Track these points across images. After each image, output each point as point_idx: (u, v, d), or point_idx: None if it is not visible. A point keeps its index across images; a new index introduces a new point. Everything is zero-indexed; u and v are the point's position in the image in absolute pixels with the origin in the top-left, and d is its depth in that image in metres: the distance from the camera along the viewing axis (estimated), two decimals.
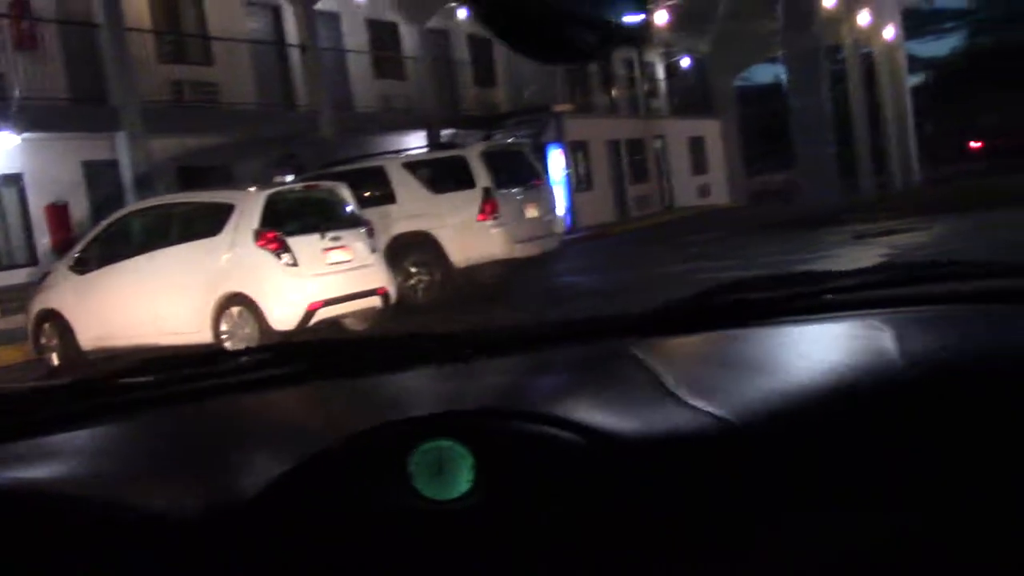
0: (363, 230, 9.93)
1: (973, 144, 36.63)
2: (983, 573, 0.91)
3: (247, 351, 1.36)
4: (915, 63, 49.75)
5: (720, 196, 26.71)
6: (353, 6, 19.56)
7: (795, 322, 1.35)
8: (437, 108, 19.55)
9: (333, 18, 19.22)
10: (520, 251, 12.04)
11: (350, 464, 0.99)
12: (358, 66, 19.62)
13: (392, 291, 9.94)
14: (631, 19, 1.99)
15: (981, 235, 12.49)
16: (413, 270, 11.71)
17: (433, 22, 21.22)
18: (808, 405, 1.06)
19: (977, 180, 22.83)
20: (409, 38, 21.06)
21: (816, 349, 1.28)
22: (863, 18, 26.18)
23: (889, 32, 28.81)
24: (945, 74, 52.04)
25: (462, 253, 11.75)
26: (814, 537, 0.92)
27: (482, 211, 11.82)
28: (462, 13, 21.40)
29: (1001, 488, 0.95)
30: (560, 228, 14.15)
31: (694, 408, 1.05)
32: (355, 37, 19.67)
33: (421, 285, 11.76)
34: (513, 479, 0.98)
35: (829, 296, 1.42)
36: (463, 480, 0.96)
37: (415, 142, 15.72)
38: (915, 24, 41.83)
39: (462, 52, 22.56)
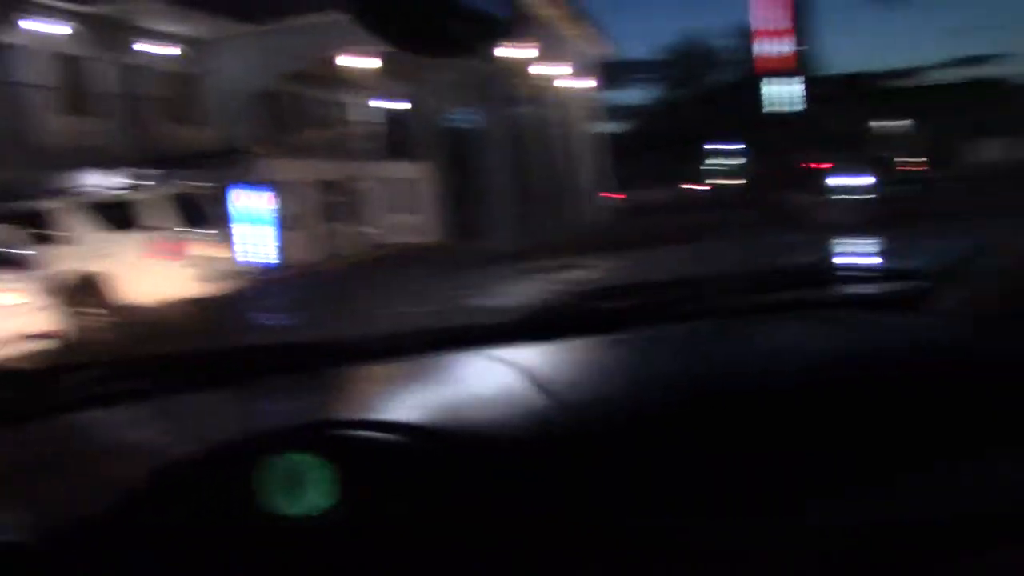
0: (31, 271, 9.79)
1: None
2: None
3: (92, 365, 1.28)
4: (618, 111, 54.17)
5: (429, 234, 27.86)
6: (40, 39, 18.82)
7: (654, 327, 1.39)
8: (129, 146, 19.13)
9: (15, 50, 18.39)
10: (200, 290, 12.24)
11: (198, 480, 0.93)
12: (43, 102, 18.85)
13: (66, 332, 9.84)
14: (500, 11, 1.93)
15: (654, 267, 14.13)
16: (89, 310, 11.58)
17: (129, 58, 20.81)
18: (661, 405, 1.08)
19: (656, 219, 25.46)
20: (104, 74, 20.50)
21: (669, 353, 1.31)
22: (560, 69, 28.46)
23: (585, 82, 31.42)
24: (645, 121, 57.30)
25: (140, 292, 11.76)
26: (658, 535, 0.93)
27: (160, 251, 11.94)
28: (161, 48, 21.13)
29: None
30: (243, 267, 14.47)
31: (560, 409, 1.06)
32: (40, 71, 18.90)
33: (97, 325, 11.65)
34: (373, 492, 0.93)
35: (688, 304, 1.47)
36: (319, 495, 0.91)
37: (102, 180, 15.41)
38: (616, 74, 45.86)
39: (162, 88, 22.24)
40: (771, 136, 42.36)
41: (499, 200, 21.87)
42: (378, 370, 1.30)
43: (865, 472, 1.01)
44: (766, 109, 50.10)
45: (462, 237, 24.85)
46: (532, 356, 1.27)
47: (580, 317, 1.42)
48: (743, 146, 48.37)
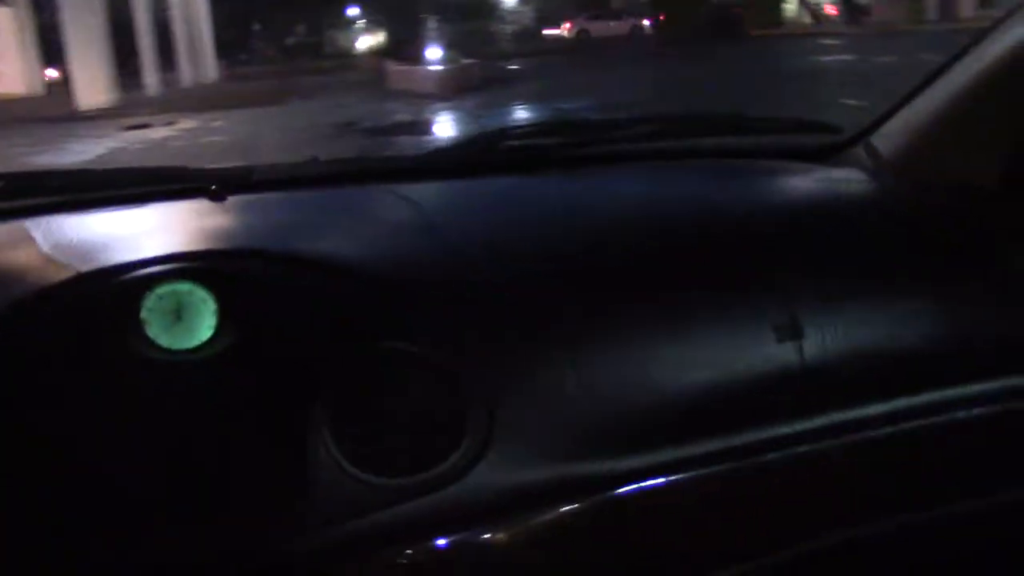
0: None
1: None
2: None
3: None
4: None
5: (16, 85, 26.16)
6: None
7: (575, 169, 1.38)
8: None
9: None
10: None
11: (75, 308, 0.88)
12: None
13: None
14: None
15: (268, 124, 14.79)
16: None
17: None
18: (563, 252, 1.10)
19: (273, 81, 25.94)
20: None
21: (579, 196, 1.31)
22: None
23: None
24: None
25: None
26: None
27: None
28: None
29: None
30: None
31: (453, 246, 1.06)
32: None
33: None
34: (259, 323, 0.91)
35: (610, 146, 1.46)
36: (203, 327, 0.88)
37: None
38: None
39: None
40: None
41: (86, 53, 20.99)
42: (271, 200, 1.24)
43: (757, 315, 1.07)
44: None
45: (51, 92, 23.68)
46: (433, 193, 1.26)
47: (495, 156, 1.39)
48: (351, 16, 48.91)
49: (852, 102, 10.33)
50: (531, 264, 1.07)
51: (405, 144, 11.23)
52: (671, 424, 1.03)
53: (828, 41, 26.04)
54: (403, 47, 23.63)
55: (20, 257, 1.01)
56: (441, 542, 0.95)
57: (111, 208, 1.18)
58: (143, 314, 0.87)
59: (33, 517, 0.84)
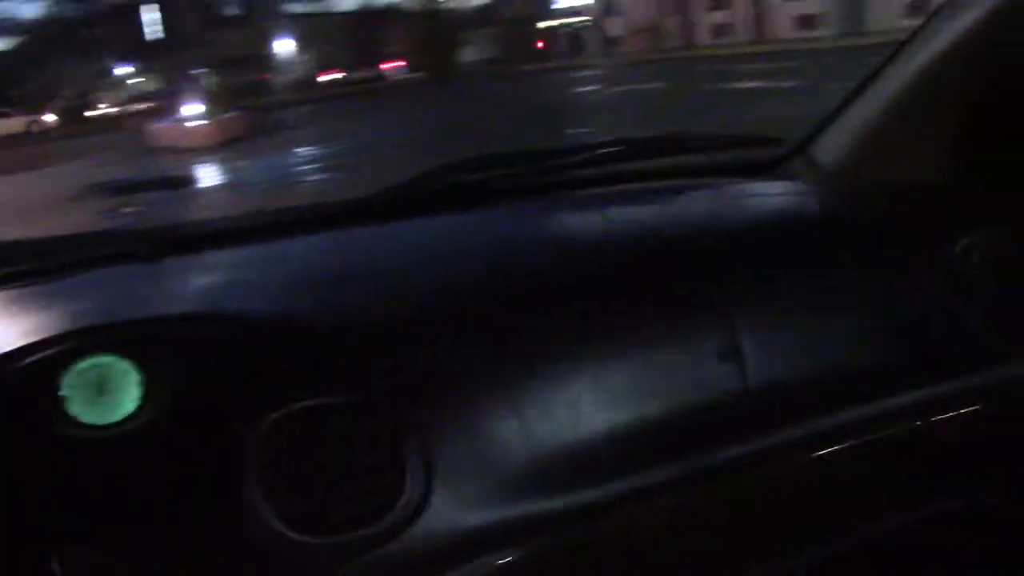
0: None
1: None
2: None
3: None
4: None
5: None
6: None
7: (519, 201, 1.35)
8: None
9: None
10: None
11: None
12: None
13: None
14: None
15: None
16: None
17: None
18: (500, 286, 1.07)
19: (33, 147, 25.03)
20: None
21: (539, 227, 1.30)
22: None
23: None
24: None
25: None
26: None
27: None
28: None
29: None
30: None
31: (389, 291, 1.05)
32: None
33: None
34: (186, 392, 0.89)
35: (551, 175, 1.40)
36: (128, 400, 0.85)
37: None
38: None
39: None
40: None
41: None
42: (213, 258, 1.18)
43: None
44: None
45: None
46: (370, 237, 1.23)
47: (435, 194, 1.34)
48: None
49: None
50: (468, 303, 1.05)
51: (154, 200, 11.37)
52: (618, 455, 1.01)
53: (580, 73, 27.87)
54: (167, 104, 23.49)
55: None
56: None
57: (35, 281, 1.11)
58: (64, 391, 0.85)
59: None
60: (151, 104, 33.04)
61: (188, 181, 13.58)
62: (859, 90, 1.43)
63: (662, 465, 1.02)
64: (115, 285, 1.12)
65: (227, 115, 20.17)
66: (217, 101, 22.09)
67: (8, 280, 1.10)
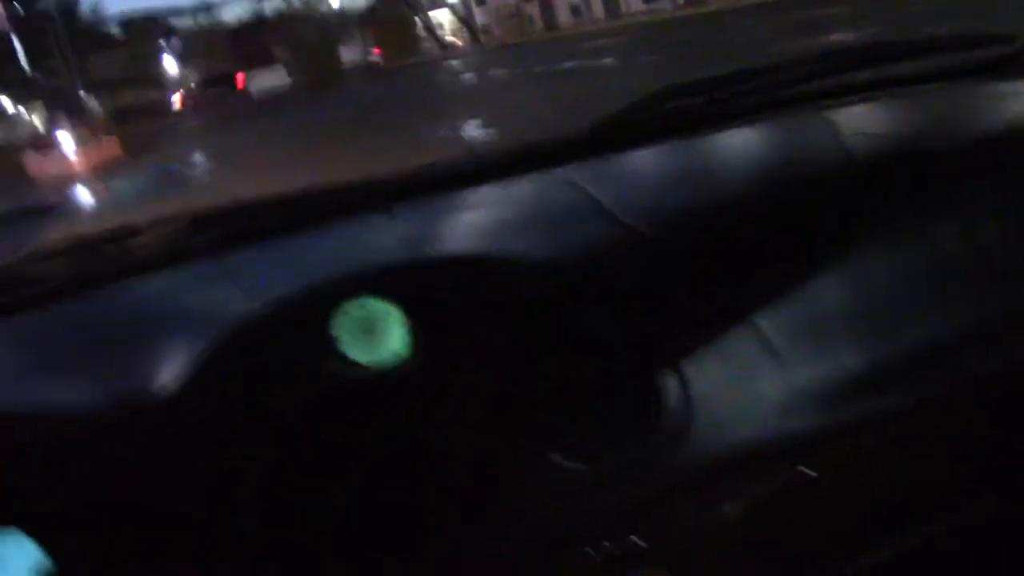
0: None
1: None
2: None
3: (155, 223, 1.18)
4: None
5: None
6: None
7: (738, 125, 1.28)
8: None
9: None
10: None
11: (272, 333, 0.90)
12: None
13: None
14: None
15: None
16: None
17: None
18: (743, 210, 1.03)
19: None
20: None
21: (743, 153, 1.25)
22: None
23: None
24: None
25: None
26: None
27: None
28: None
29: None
30: None
31: (631, 228, 1.02)
32: None
33: None
34: (451, 332, 0.91)
35: (772, 92, 1.32)
36: (395, 340, 0.89)
37: None
38: None
39: None
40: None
41: None
42: (445, 203, 1.20)
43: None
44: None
45: None
46: (602, 172, 1.19)
47: (657, 121, 1.27)
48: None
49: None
50: (715, 230, 1.03)
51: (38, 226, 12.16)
52: (875, 375, 0.98)
53: (454, 63, 28.94)
54: (42, 135, 23.97)
55: (213, 298, 1.02)
56: (656, 520, 0.92)
57: (291, 233, 1.14)
58: (336, 331, 0.89)
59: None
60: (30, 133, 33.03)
61: (57, 206, 14.40)
62: None
63: (918, 386, 0.99)
64: (365, 234, 1.14)
65: (102, 139, 20.79)
66: (92, 126, 22.65)
67: (260, 234, 1.13)
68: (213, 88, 38.78)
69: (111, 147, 20.82)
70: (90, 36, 51.53)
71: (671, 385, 0.94)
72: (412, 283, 0.94)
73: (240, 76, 38.85)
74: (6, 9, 48.58)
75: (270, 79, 39.31)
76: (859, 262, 1.01)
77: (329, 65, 40.90)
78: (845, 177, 1.07)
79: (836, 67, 1.34)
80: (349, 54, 42.34)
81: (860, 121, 1.25)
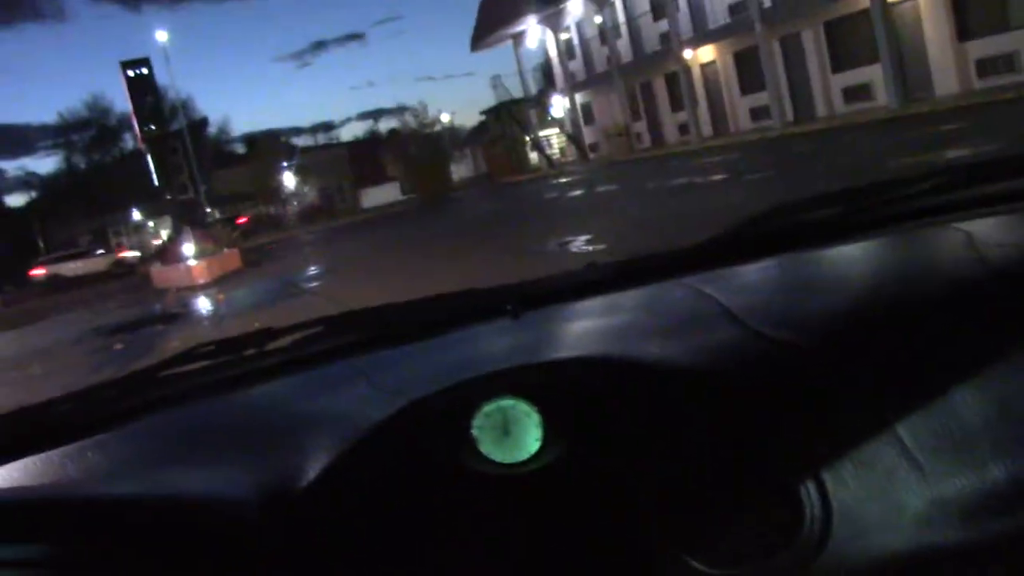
0: None
1: (35, 272, 36.63)
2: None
3: (295, 328, 1.24)
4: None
5: None
6: None
7: (854, 239, 1.30)
8: None
9: None
10: None
11: (411, 433, 0.93)
12: None
13: None
14: None
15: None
16: None
17: None
18: (882, 320, 1.03)
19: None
20: None
21: (878, 264, 1.26)
22: None
23: None
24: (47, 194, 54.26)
25: None
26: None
27: None
28: None
29: None
30: None
31: (765, 335, 1.01)
32: None
33: None
34: (585, 433, 0.92)
35: (886, 209, 1.33)
36: (531, 439, 0.91)
37: None
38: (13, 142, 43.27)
39: None
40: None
41: None
42: (572, 309, 1.25)
43: None
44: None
45: None
46: (725, 281, 1.22)
47: (783, 232, 1.31)
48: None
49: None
50: (849, 339, 1.03)
51: (160, 332, 12.61)
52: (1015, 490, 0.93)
53: (563, 179, 29.43)
54: (167, 248, 25.19)
55: (346, 399, 1.08)
56: None
57: (417, 339, 1.19)
58: (475, 431, 0.91)
59: None
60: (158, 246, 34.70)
61: (183, 311, 14.90)
62: None
63: None
64: (495, 337, 1.19)
65: (221, 253, 21.70)
66: (214, 240, 23.71)
67: (391, 339, 1.20)
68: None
69: (232, 259, 21.68)
70: (217, 153, 54.71)
71: (811, 493, 0.93)
72: (548, 384, 0.96)
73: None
74: (141, 130, 52.35)
75: (384, 195, 40.83)
76: (1001, 373, 0.99)
77: (440, 181, 42.18)
78: (984, 287, 1.07)
79: (958, 182, 1.37)
80: (461, 171, 43.48)
81: (997, 233, 1.26)
